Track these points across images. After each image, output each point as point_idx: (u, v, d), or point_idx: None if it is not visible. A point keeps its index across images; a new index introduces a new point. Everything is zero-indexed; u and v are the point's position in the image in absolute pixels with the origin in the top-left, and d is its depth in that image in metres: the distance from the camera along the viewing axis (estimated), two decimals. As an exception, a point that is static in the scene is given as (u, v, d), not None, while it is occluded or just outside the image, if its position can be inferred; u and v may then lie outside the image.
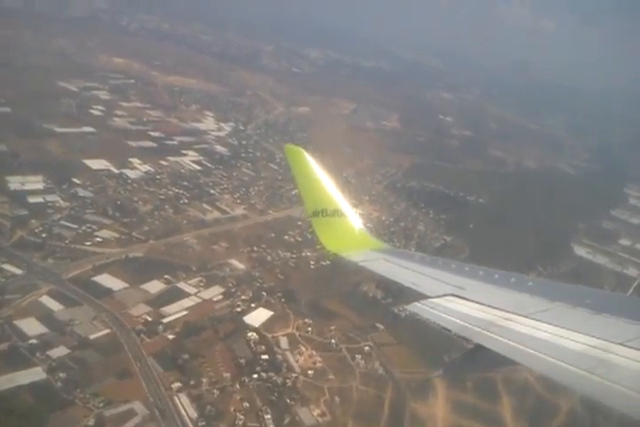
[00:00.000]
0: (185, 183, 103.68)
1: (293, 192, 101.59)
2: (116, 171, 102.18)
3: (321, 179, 14.23)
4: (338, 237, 14.11)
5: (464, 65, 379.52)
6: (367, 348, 64.81)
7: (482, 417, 57.77)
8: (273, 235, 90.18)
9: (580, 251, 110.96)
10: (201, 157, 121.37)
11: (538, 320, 8.11)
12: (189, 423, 48.89)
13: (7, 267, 66.03)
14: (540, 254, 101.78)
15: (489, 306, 9.03)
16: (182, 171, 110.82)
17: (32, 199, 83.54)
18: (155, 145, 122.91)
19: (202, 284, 71.43)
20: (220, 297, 69.42)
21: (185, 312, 64.68)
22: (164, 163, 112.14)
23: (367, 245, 13.97)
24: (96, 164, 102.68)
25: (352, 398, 56.84)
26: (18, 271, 65.77)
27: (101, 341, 57.02)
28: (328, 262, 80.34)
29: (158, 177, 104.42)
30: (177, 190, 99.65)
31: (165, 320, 62.25)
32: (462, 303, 9.38)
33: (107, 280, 68.06)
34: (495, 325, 8.21)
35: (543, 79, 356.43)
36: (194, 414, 49.83)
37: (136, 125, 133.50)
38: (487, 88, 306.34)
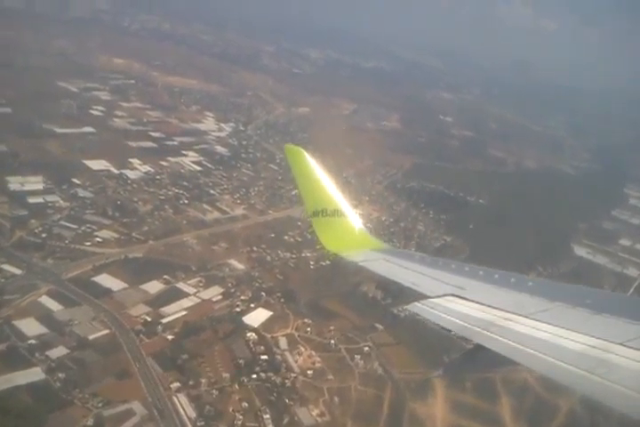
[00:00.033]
0: (185, 184, 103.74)
1: (293, 192, 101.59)
2: (115, 171, 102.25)
3: (321, 179, 14.23)
4: (338, 237, 14.11)
5: (464, 65, 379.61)
6: (366, 348, 64.73)
7: (481, 417, 57.68)
8: (273, 235, 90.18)
9: (581, 251, 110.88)
10: (201, 158, 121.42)
11: (538, 320, 8.11)
12: (188, 423, 48.87)
13: (7, 267, 66.06)
14: (540, 254, 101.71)
15: (489, 306, 9.03)
16: (182, 171, 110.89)
17: (32, 199, 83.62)
18: (155, 145, 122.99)
19: (201, 284, 71.43)
20: (220, 297, 69.40)
21: (184, 312, 64.66)
22: (164, 163, 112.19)
23: (367, 246, 13.97)
24: (96, 164, 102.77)
25: (351, 398, 56.80)
26: (17, 271, 65.81)
27: (100, 341, 57.02)
28: (328, 263, 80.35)
29: (158, 177, 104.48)
30: (177, 191, 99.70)
31: (165, 320, 62.24)
32: (462, 303, 9.37)
33: (106, 280, 68.08)
34: (495, 325, 8.21)
35: (543, 79, 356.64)
36: (192, 415, 49.81)
37: (136, 126, 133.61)
38: (487, 88, 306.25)
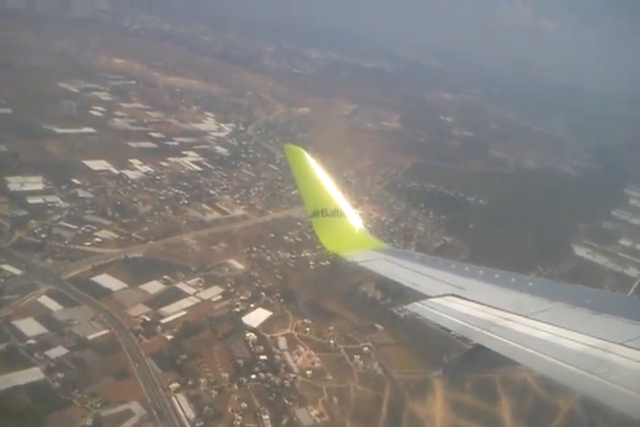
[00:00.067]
0: (185, 184, 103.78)
1: (293, 193, 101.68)
2: (116, 171, 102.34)
3: (321, 179, 14.22)
4: (338, 237, 14.10)
5: (464, 65, 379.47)
6: (366, 348, 64.66)
7: (480, 418, 57.63)
8: (272, 235, 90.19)
9: (581, 251, 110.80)
10: (201, 158, 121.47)
11: (538, 320, 8.10)
12: (187, 424, 48.85)
13: (6, 267, 66.14)
14: (541, 255, 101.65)
15: (489, 306, 9.02)
16: (182, 171, 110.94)
17: (32, 200, 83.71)
18: (155, 146, 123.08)
19: (201, 284, 71.44)
20: (219, 297, 69.41)
21: (184, 312, 64.66)
22: (164, 164, 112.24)
23: (367, 245, 13.96)
24: (96, 164, 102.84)
25: (350, 398, 56.76)
26: (17, 272, 65.88)
27: (100, 341, 57.01)
28: (327, 263, 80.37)
29: (158, 178, 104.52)
30: (177, 191, 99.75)
31: (164, 321, 62.23)
32: (462, 303, 9.37)
33: (106, 281, 68.09)
34: (495, 325, 8.21)
35: (543, 79, 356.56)
36: (191, 415, 49.79)
37: (136, 126, 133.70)
38: (487, 88, 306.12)
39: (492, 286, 10.10)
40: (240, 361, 57.76)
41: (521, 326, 8.03)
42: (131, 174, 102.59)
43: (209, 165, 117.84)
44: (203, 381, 54.00)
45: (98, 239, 77.44)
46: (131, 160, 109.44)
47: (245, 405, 52.19)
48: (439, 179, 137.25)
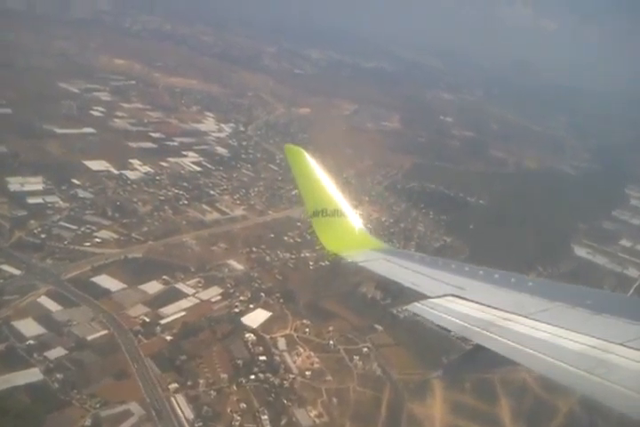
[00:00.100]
0: (185, 184, 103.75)
1: (293, 193, 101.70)
2: (115, 172, 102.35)
3: (321, 179, 14.21)
4: (338, 237, 14.09)
5: (464, 65, 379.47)
6: (365, 349, 64.62)
7: (480, 418, 57.59)
8: (272, 236, 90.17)
9: (581, 251, 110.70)
10: (201, 158, 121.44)
11: (538, 320, 8.09)
12: (186, 424, 48.86)
13: (6, 268, 66.16)
14: (541, 255, 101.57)
15: (489, 306, 9.02)
16: (182, 172, 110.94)
17: (31, 200, 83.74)
18: (155, 146, 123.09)
19: (200, 284, 71.43)
20: (219, 298, 69.41)
21: (183, 313, 64.67)
22: (164, 164, 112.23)
23: (367, 245, 13.94)
24: (96, 165, 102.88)
25: (349, 399, 56.73)
26: (16, 272, 65.89)
27: (99, 342, 57.02)
28: (327, 263, 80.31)
29: (158, 178, 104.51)
30: (177, 191, 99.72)
31: (163, 321, 62.24)
32: (462, 303, 9.37)
33: (105, 281, 68.10)
34: (495, 325, 8.20)
35: (544, 79, 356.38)
36: (190, 415, 49.81)
37: (136, 126, 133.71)
38: (488, 88, 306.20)
39: (491, 286, 10.10)
40: (239, 362, 57.76)
41: (521, 327, 8.02)
42: (130, 175, 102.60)
43: (209, 166, 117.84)
44: (202, 381, 53.99)
45: (97, 240, 77.47)
46: (131, 160, 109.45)
47: (244, 405, 52.19)
48: (439, 179, 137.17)
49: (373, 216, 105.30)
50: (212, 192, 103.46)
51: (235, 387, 54.35)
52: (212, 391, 53.18)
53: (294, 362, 59.91)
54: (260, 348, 60.65)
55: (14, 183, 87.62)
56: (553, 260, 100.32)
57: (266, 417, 51.26)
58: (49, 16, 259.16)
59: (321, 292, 75.43)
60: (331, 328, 67.00)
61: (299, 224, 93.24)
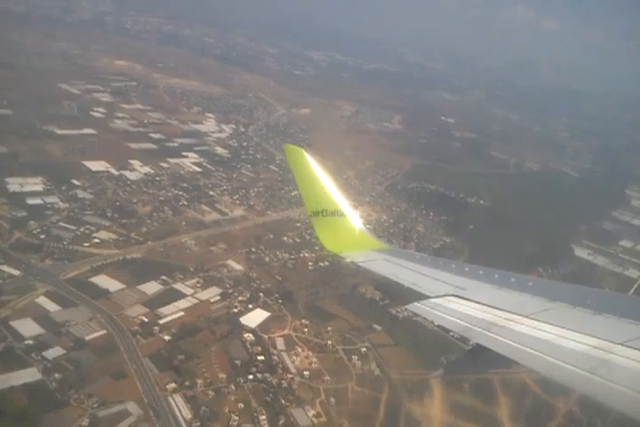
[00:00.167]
0: (184, 185, 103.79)
1: (293, 193, 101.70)
2: (115, 172, 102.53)
3: (321, 179, 14.19)
4: (338, 237, 14.08)
5: (466, 66, 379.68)
6: (364, 349, 64.49)
7: (478, 419, 57.41)
8: (271, 236, 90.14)
9: (581, 252, 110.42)
10: (201, 159, 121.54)
11: (538, 320, 8.07)
12: (183, 424, 48.79)
13: (5, 268, 66.23)
14: (541, 256, 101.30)
15: (489, 306, 9.00)
16: (182, 172, 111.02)
17: (31, 201, 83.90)
18: (155, 147, 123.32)
19: (199, 285, 71.42)
20: (218, 298, 69.38)
21: (182, 313, 64.67)
22: (163, 164, 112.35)
23: (367, 246, 13.92)
24: (96, 165, 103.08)
25: (348, 399, 56.65)
26: (15, 272, 65.93)
27: (97, 342, 56.98)
28: (326, 264, 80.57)
29: (158, 179, 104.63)
30: (176, 192, 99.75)
31: (162, 321, 62.24)
32: (463, 303, 9.36)
33: (104, 281, 68.09)
34: (496, 325, 8.18)
35: (545, 80, 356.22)
36: (188, 415, 49.75)
37: (137, 127, 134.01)
38: (490, 89, 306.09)
39: (492, 286, 10.09)
40: (237, 362, 57.70)
41: (521, 327, 8.00)
42: (130, 175, 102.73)
43: (209, 166, 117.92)
44: (200, 381, 53.97)
45: (97, 240, 77.54)
46: (131, 161, 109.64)
47: (242, 405, 52.13)
48: (440, 180, 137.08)
49: (373, 217, 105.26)
50: (211, 193, 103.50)
51: (233, 387, 54.30)
52: (210, 391, 53.13)
53: (293, 362, 59.84)
54: (259, 348, 60.57)
55: (14, 184, 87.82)
56: (553, 261, 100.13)
57: (264, 417, 51.21)
58: (50, 17, 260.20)
59: (320, 292, 75.39)
60: (329, 328, 66.91)
61: (298, 225, 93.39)
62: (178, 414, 49.75)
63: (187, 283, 71.24)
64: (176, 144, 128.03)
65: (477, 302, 9.26)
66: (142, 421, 48.38)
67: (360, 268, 12.48)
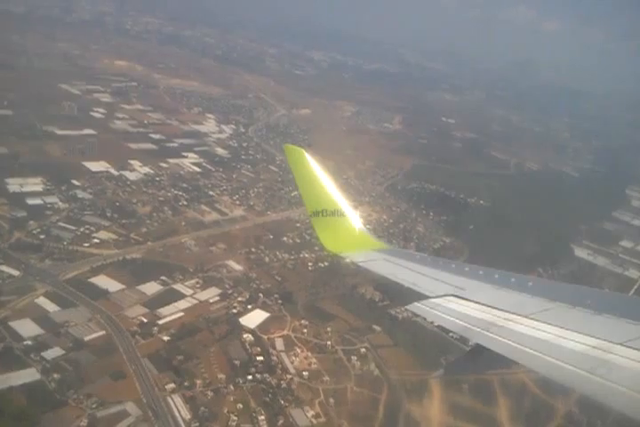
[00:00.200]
0: (184, 185, 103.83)
1: (293, 194, 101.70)
2: (115, 173, 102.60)
3: (321, 179, 14.16)
4: (338, 237, 14.06)
5: (466, 66, 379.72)
6: (363, 349, 64.49)
7: (478, 419, 57.33)
8: (271, 236, 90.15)
9: (581, 252, 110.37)
10: (201, 159, 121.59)
11: (538, 320, 8.05)
12: (182, 424, 48.77)
13: (4, 268, 66.27)
14: (541, 256, 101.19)
15: (489, 306, 8.99)
16: (182, 173, 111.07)
17: (31, 201, 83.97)
18: (155, 147, 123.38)
19: (198, 285, 71.42)
20: (217, 298, 69.39)
21: (181, 314, 64.68)
22: (163, 165, 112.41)
23: (367, 246, 13.90)
24: (96, 166, 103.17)
25: (347, 399, 56.62)
26: (15, 273, 65.98)
27: (96, 342, 56.98)
28: (326, 264, 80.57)
29: (158, 179, 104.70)
30: (176, 192, 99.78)
31: (161, 322, 62.25)
32: (462, 303, 9.35)
33: (103, 282, 68.13)
34: (495, 325, 8.17)
35: (545, 80, 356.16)
36: (187, 416, 49.74)
37: (137, 128, 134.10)
38: (490, 90, 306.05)
39: (492, 286, 10.08)
40: (237, 362, 57.69)
41: (521, 327, 7.98)
42: (130, 175, 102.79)
43: (209, 167, 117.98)
44: (199, 382, 53.97)
45: (96, 240, 77.59)
46: (130, 161, 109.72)
47: (241, 406, 52.10)
48: (440, 180, 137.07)
49: (373, 217, 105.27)
50: (211, 193, 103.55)
51: (232, 387, 54.30)
52: (208, 392, 53.14)
53: (292, 362, 59.81)
54: (258, 348, 60.55)
55: (14, 184, 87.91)
56: (553, 261, 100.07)
57: (263, 417, 51.17)
58: (50, 18, 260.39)
59: (319, 293, 75.41)
60: (329, 329, 66.90)
61: (298, 225, 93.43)
62: (177, 414, 49.73)
63: (186, 283, 71.25)
64: (176, 144, 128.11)
65: (477, 302, 9.25)
66: (141, 421, 48.39)
67: (360, 268, 12.45)
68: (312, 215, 14.09)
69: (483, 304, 9.12)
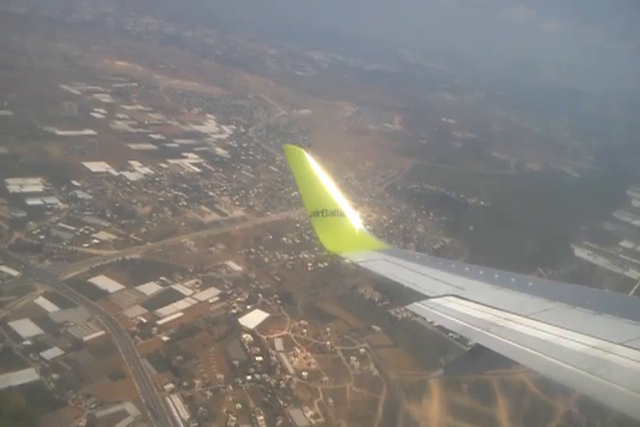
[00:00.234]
0: (184, 185, 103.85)
1: (292, 194, 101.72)
2: (115, 173, 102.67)
3: (321, 179, 14.15)
4: (338, 237, 14.04)
5: (467, 67, 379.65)
6: (363, 350, 64.46)
7: (477, 420, 57.31)
8: (271, 237, 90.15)
9: (582, 253, 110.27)
10: (201, 160, 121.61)
11: (538, 320, 8.04)
12: (181, 425, 48.79)
13: (4, 269, 66.32)
14: (541, 256, 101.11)
15: (489, 306, 8.98)
16: (182, 173, 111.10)
17: (31, 201, 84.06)
18: (155, 148, 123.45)
19: (198, 285, 71.44)
20: (216, 299, 69.39)
21: (180, 314, 64.69)
22: (163, 165, 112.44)
23: (367, 246, 13.88)
24: (96, 166, 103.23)
25: (346, 399, 56.60)
26: (15, 273, 66.04)
27: (95, 342, 57.01)
28: (325, 264, 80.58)
29: (158, 179, 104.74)
30: (176, 193, 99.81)
31: (160, 322, 62.26)
32: (462, 303, 9.34)
33: (103, 282, 68.16)
34: (495, 325, 8.16)
35: (547, 81, 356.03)
36: (186, 416, 49.74)
37: (137, 128, 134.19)
38: (490, 90, 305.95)
39: (492, 286, 10.06)
40: (236, 362, 57.68)
41: (521, 327, 7.97)
42: (130, 176, 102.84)
43: (209, 167, 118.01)
44: (198, 382, 53.96)
45: (96, 241, 77.61)
46: (130, 162, 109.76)
47: (240, 406, 52.11)
48: (440, 180, 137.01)
49: (373, 217, 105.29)
50: (211, 193, 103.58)
51: (231, 387, 54.30)
52: (207, 392, 53.15)
53: (291, 363, 59.82)
54: (257, 348, 60.55)
55: (14, 184, 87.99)
56: (553, 261, 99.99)
57: (261, 418, 51.16)
58: (51, 18, 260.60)
59: (319, 293, 75.39)
60: (328, 329, 66.87)
61: (297, 225, 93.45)
62: (175, 414, 49.74)
63: (186, 284, 71.29)
64: (176, 145, 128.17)
65: (477, 302, 9.24)
66: (140, 421, 48.40)
67: (360, 268, 12.44)
68: (312, 215, 14.07)
69: (483, 304, 9.11)
